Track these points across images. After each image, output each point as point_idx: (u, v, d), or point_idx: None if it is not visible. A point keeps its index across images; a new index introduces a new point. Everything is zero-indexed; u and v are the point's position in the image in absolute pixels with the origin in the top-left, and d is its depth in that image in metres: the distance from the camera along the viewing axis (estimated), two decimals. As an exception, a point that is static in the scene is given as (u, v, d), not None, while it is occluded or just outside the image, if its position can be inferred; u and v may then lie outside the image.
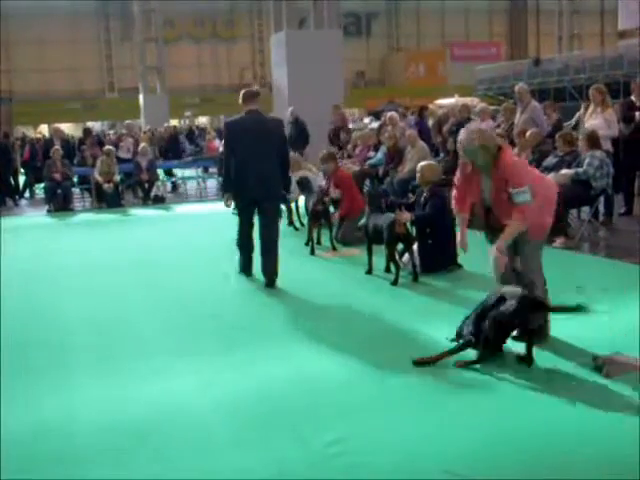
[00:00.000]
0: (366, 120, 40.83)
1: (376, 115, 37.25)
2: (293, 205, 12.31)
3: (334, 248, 9.92)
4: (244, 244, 8.58)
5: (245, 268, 8.64)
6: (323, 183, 11.25)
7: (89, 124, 31.47)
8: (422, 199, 8.54)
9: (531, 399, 4.68)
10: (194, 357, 5.81)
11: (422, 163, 8.93)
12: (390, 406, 4.71)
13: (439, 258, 8.27)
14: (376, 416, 4.56)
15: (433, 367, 5.24)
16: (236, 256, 8.72)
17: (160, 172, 19.27)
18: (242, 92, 8.38)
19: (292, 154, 12.35)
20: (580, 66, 39.84)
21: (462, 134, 5.65)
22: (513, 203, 5.46)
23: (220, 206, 12.63)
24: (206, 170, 22.60)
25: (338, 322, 6.61)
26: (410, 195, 11.10)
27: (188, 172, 20.63)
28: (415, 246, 8.09)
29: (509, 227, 5.57)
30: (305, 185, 11.08)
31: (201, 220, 14.29)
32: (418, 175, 8.70)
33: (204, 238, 11.92)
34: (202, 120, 53.37)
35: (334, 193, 10.70)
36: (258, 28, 56.27)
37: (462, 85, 47.24)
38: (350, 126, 20.21)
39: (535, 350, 5.23)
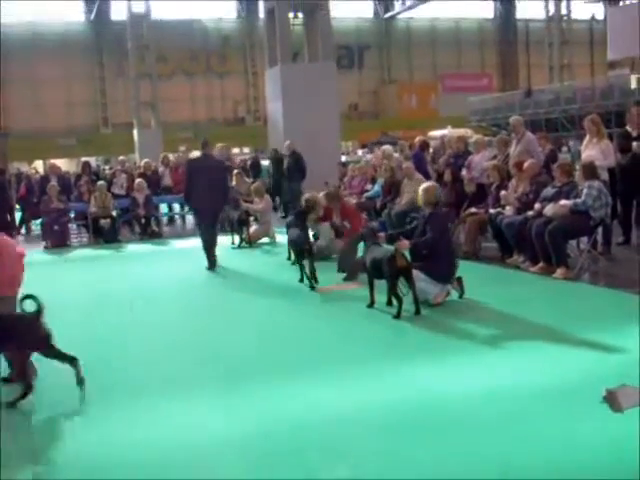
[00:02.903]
0: (359, 153, 41.10)
1: (371, 148, 37.51)
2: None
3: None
4: (205, 246, 12.11)
5: (210, 263, 12.02)
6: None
7: (84, 159, 31.38)
8: (422, 222, 8.61)
9: (540, 430, 4.66)
10: (198, 394, 5.75)
11: (423, 185, 9.00)
12: (398, 437, 4.67)
13: (444, 271, 8.36)
14: (385, 448, 4.52)
15: (439, 401, 5.23)
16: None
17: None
18: (202, 141, 12.62)
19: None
20: (571, 96, 40.19)
21: None
22: None
23: (218, 241, 12.62)
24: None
25: (341, 357, 6.58)
26: (408, 227, 11.14)
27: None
28: (417, 273, 8.09)
29: None
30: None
31: (199, 254, 14.24)
32: (420, 196, 8.79)
33: (203, 273, 11.89)
34: (196, 154, 53.42)
35: (343, 226, 10.80)
36: (251, 62, 56.69)
37: (454, 116, 47.58)
38: (343, 159, 20.35)
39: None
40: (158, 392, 5.88)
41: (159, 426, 5.13)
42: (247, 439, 4.81)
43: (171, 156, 26.97)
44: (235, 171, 17.81)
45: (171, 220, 20.93)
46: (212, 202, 12.03)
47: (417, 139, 16.89)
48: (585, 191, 9.55)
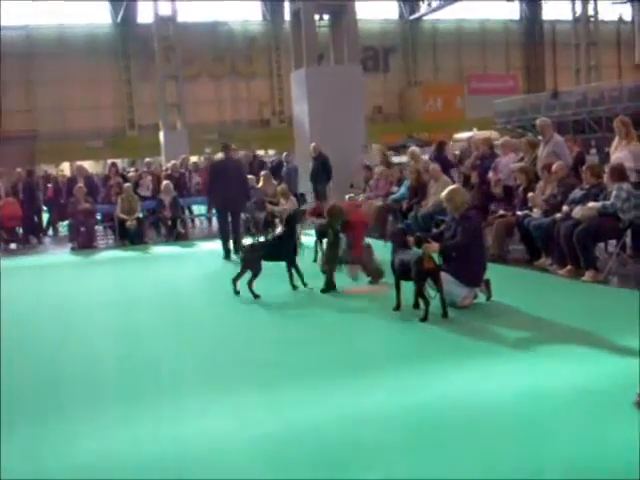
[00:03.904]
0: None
1: (395, 150, 37.36)
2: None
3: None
4: (224, 237, 13.52)
5: (225, 254, 13.31)
6: None
7: (111, 161, 31.61)
8: (453, 225, 8.50)
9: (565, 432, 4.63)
10: (227, 396, 5.76)
11: (449, 189, 8.88)
12: (425, 440, 4.65)
13: (474, 275, 8.32)
14: (412, 450, 4.50)
15: (467, 403, 5.20)
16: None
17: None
18: (222, 145, 14.43)
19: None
20: (598, 98, 39.85)
21: None
22: None
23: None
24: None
25: (368, 359, 6.56)
26: (434, 229, 11.08)
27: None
28: (445, 275, 8.04)
29: None
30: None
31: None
32: (448, 201, 8.64)
33: (231, 274, 11.90)
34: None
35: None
36: (276, 64, 56.79)
37: (480, 118, 47.38)
38: (366, 162, 20.32)
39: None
40: (187, 392, 5.91)
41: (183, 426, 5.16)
42: (275, 441, 4.81)
43: (194, 158, 27.11)
44: (263, 172, 17.82)
45: (192, 222, 20.96)
46: (233, 200, 13.40)
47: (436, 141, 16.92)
48: (614, 193, 9.46)
